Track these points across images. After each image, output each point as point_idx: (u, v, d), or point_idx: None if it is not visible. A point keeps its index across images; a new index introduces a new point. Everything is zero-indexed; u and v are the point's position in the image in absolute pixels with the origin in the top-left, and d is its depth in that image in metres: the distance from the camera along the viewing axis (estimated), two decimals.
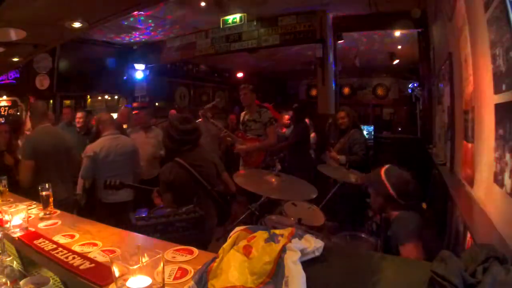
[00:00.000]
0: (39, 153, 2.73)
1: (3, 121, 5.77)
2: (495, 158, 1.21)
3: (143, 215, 1.92)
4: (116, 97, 8.53)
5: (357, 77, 10.23)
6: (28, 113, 3.47)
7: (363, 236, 2.37)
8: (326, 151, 3.68)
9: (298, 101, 10.47)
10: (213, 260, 0.92)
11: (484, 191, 1.43)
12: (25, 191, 2.50)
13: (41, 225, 1.51)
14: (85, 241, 1.29)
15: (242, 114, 3.94)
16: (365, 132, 4.99)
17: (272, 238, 0.93)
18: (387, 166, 1.82)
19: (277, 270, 0.85)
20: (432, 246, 1.61)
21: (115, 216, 3.00)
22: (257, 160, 3.63)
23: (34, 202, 1.83)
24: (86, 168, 3.09)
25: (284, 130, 5.52)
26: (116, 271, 0.83)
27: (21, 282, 1.11)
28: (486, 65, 1.30)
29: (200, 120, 5.82)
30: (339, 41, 5.72)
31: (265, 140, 3.61)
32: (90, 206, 3.20)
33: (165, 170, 2.20)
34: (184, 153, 2.16)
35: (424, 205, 2.08)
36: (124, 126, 4.57)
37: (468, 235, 1.52)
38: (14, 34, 3.08)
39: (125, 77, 7.91)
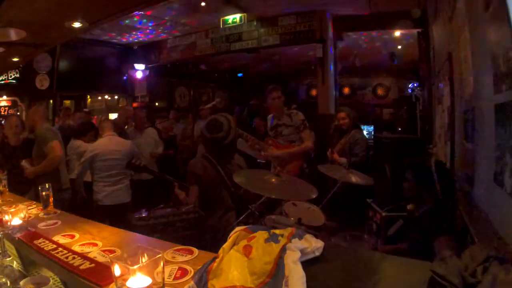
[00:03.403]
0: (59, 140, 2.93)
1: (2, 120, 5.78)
2: (495, 158, 1.21)
3: (143, 215, 1.92)
4: (116, 97, 8.54)
5: (357, 77, 10.23)
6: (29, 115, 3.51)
7: (363, 236, 2.36)
8: (327, 152, 3.62)
9: (298, 101, 10.47)
10: (213, 260, 0.92)
11: (484, 191, 1.42)
12: (25, 191, 2.52)
13: (41, 225, 1.50)
14: (85, 241, 1.29)
15: (269, 118, 3.50)
16: (365, 132, 4.99)
17: (272, 238, 0.93)
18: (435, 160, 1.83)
19: (277, 270, 0.85)
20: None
21: (113, 219, 3.02)
22: (293, 168, 3.21)
23: (34, 202, 1.84)
24: (82, 168, 3.16)
25: None
26: (116, 271, 0.83)
27: (21, 282, 1.10)
28: (486, 65, 1.30)
29: (200, 120, 5.81)
30: (339, 41, 5.72)
31: (301, 144, 3.22)
32: (88, 209, 3.19)
33: (196, 162, 2.21)
34: (213, 151, 2.18)
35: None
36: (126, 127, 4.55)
37: (468, 235, 1.52)
38: (14, 34, 3.08)
39: (125, 77, 7.91)
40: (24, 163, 2.87)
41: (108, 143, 3.21)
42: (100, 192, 3.14)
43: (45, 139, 2.86)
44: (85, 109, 6.91)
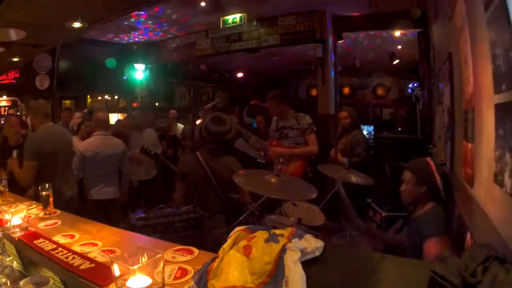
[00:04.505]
0: (44, 154, 2.70)
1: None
2: (495, 158, 1.21)
3: (143, 215, 1.92)
4: (116, 97, 8.54)
5: (357, 77, 10.23)
6: (29, 113, 3.45)
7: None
8: (330, 152, 3.61)
9: (298, 101, 10.47)
10: (213, 260, 0.92)
11: (484, 191, 1.42)
12: (25, 191, 2.51)
13: (41, 225, 1.51)
14: (85, 241, 1.29)
15: (274, 119, 3.51)
16: (365, 132, 5.00)
17: (272, 238, 0.93)
18: (429, 157, 1.82)
19: (277, 270, 0.85)
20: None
21: (102, 212, 3.10)
22: (297, 170, 3.18)
23: (34, 202, 1.84)
24: (74, 165, 3.16)
25: None
26: (116, 271, 0.83)
27: (21, 282, 1.10)
28: (486, 65, 1.30)
29: (200, 120, 5.80)
30: (339, 41, 5.72)
31: (306, 147, 3.24)
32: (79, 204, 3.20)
33: (184, 159, 2.31)
34: (206, 150, 2.21)
35: None
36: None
37: (468, 235, 1.52)
38: (14, 34, 3.08)
39: (125, 77, 7.91)
40: (14, 152, 2.83)
41: (97, 144, 3.21)
42: (90, 188, 3.19)
43: (26, 151, 2.70)
44: (85, 110, 6.91)
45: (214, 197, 2.14)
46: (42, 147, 2.71)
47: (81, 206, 3.12)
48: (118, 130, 4.09)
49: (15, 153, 2.83)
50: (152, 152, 2.66)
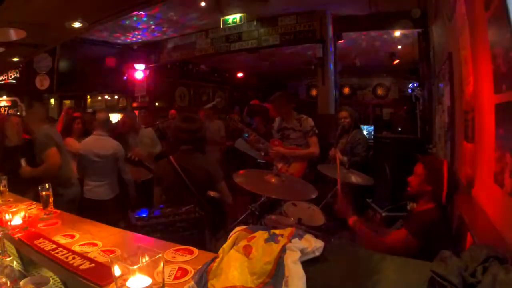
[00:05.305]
0: (58, 144, 2.90)
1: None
2: (495, 158, 1.21)
3: (143, 215, 1.92)
4: (116, 97, 8.54)
5: (357, 77, 10.24)
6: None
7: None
8: (330, 151, 3.60)
9: (298, 101, 10.47)
10: (213, 260, 0.92)
11: (484, 191, 1.42)
12: (25, 191, 2.52)
13: (41, 225, 1.50)
14: (85, 241, 1.29)
15: (277, 120, 3.53)
16: (365, 132, 4.99)
17: (272, 238, 0.93)
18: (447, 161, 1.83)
19: (277, 270, 0.85)
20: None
21: (93, 213, 3.08)
22: (297, 171, 3.20)
23: (34, 202, 1.84)
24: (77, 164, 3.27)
25: None
26: (116, 271, 0.83)
27: (21, 282, 1.10)
28: (486, 65, 1.30)
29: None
30: (339, 41, 5.72)
31: (308, 149, 3.24)
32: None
33: (159, 164, 2.34)
34: (179, 153, 2.21)
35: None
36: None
37: (468, 235, 1.52)
38: (14, 34, 3.08)
39: (125, 77, 7.91)
40: (23, 161, 2.88)
41: (90, 144, 3.21)
42: (84, 185, 3.22)
43: (42, 146, 2.83)
44: (89, 110, 6.91)
45: (193, 199, 2.12)
46: (55, 138, 2.91)
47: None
48: (116, 130, 4.08)
49: (23, 161, 2.88)
50: (136, 160, 2.71)
